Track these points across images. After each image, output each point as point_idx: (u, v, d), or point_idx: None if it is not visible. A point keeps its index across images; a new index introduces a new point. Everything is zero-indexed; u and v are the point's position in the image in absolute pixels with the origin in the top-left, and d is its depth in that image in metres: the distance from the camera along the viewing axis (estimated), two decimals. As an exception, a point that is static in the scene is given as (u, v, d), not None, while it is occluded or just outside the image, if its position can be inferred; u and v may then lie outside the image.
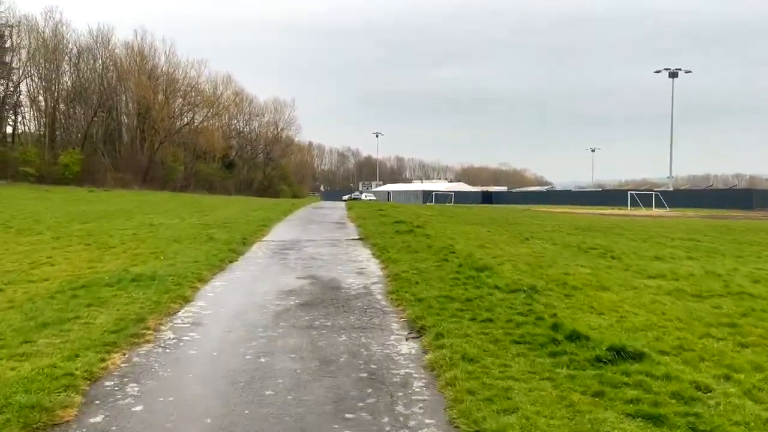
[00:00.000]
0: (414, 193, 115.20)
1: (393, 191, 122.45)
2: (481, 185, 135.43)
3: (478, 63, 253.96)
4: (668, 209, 54.43)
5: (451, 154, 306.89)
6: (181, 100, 63.46)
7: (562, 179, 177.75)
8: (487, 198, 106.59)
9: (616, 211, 49.71)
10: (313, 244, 14.30)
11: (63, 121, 58.38)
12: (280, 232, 17.35)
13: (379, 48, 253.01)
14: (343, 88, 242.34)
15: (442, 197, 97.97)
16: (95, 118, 58.39)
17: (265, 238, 15.43)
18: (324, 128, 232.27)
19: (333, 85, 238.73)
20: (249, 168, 79.19)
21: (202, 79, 66.81)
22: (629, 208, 55.47)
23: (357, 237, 15.81)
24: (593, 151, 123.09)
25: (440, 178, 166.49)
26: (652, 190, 69.47)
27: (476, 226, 20.35)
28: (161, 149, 60.59)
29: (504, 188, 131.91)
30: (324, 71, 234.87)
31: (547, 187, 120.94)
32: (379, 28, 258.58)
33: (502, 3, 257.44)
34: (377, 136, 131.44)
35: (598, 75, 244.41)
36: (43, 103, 56.90)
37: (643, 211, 49.20)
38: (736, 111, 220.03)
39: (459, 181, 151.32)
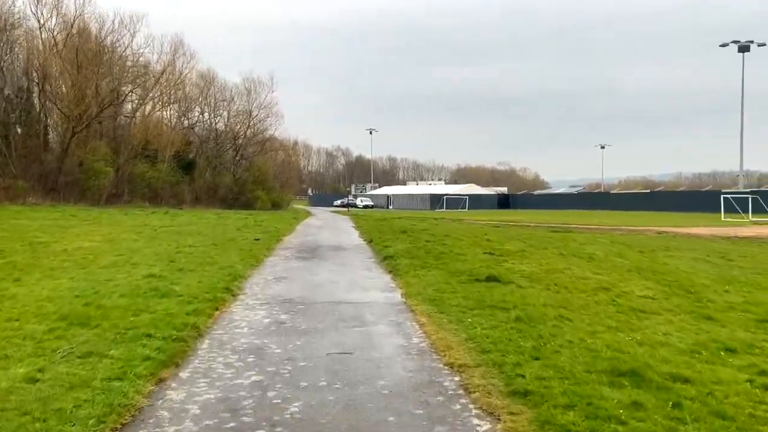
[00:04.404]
0: (419, 197, 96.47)
1: (393, 195, 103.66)
2: (481, 185, 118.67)
3: (473, 62, 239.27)
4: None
5: (445, 153, 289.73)
6: (105, 71, 43.55)
7: (551, 178, 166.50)
8: (504, 202, 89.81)
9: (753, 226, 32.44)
10: None
11: None
12: None
13: (381, 47, 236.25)
14: (328, 87, 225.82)
15: (453, 202, 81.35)
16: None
17: None
18: (310, 128, 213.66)
19: (318, 83, 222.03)
20: (213, 169, 59.77)
21: (139, 41, 46.88)
22: (723, 216, 42.88)
23: None
24: (603, 147, 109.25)
25: (434, 179, 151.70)
26: (733, 192, 53.15)
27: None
28: (75, 144, 41.06)
29: (514, 190, 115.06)
30: (307, 70, 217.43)
31: (577, 189, 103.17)
32: (376, 27, 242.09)
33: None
34: (371, 133, 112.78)
35: (593, 74, 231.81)
36: None
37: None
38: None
39: (456, 181, 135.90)
